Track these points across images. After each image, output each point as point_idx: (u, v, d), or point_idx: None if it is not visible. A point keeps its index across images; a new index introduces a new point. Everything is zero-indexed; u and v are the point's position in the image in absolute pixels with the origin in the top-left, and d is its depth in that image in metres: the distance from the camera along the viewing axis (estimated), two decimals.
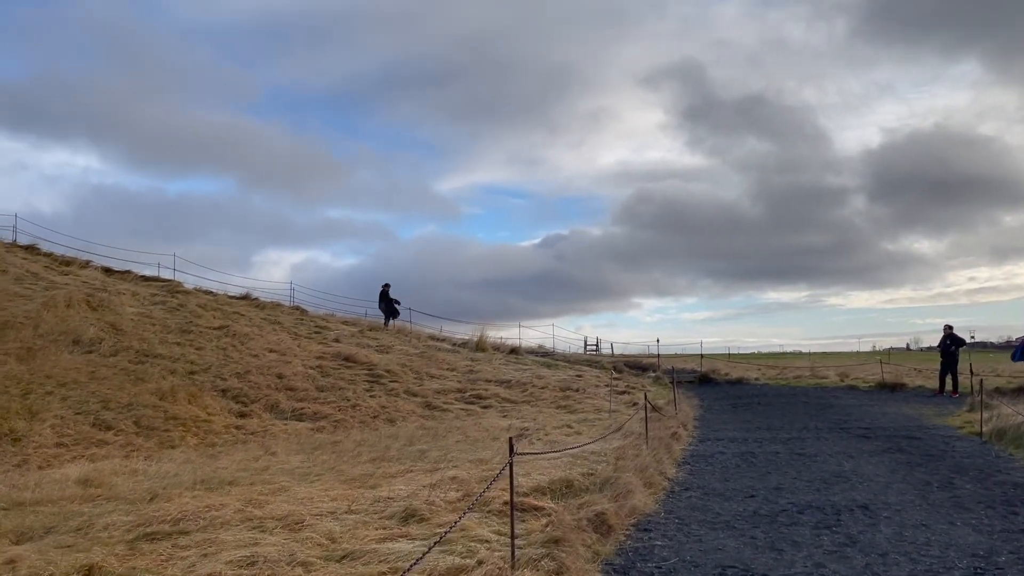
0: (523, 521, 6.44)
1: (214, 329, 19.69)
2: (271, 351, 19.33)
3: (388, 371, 19.62)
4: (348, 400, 16.25)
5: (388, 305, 30.66)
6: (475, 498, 5.91)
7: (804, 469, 10.51)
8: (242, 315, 22.81)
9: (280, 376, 16.93)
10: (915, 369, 34.66)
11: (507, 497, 6.69)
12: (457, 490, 7.42)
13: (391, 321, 30.33)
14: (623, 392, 21.42)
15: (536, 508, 6.66)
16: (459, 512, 6.33)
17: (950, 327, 22.89)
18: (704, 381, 27.53)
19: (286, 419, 14.43)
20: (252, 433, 12.97)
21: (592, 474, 8.64)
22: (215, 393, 14.80)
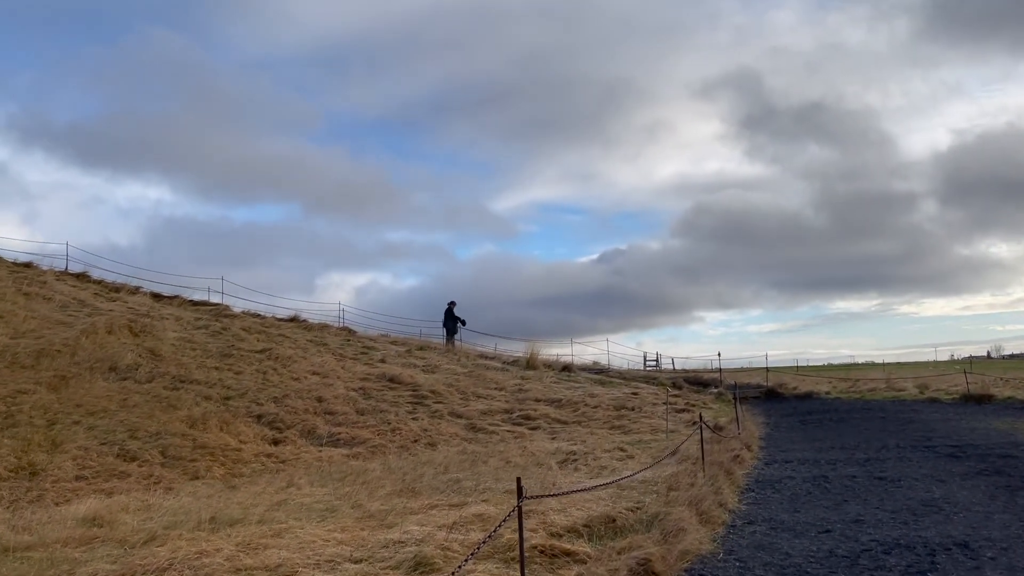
0: (551, 571, 5.48)
1: (256, 352, 19.26)
2: (314, 373, 18.78)
3: (433, 391, 18.84)
4: (389, 423, 15.50)
5: (452, 323, 30.13)
6: (483, 542, 4.98)
7: (887, 496, 9.24)
8: (287, 337, 22.40)
9: (320, 399, 16.31)
10: (1001, 379, 32.31)
11: (538, 539, 5.75)
12: (482, 529, 6.49)
13: (454, 340, 29.77)
14: (682, 410, 20.18)
15: (568, 553, 5.68)
16: (478, 559, 5.40)
17: None
18: (770, 396, 25.97)
19: (322, 445, 13.74)
20: (283, 461, 12.30)
21: (639, 507, 7.61)
22: (250, 419, 14.23)
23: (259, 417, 14.45)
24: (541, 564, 5.56)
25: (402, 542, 5.90)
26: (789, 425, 18.39)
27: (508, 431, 16.31)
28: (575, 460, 11.92)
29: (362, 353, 22.98)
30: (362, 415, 15.91)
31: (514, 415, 17.83)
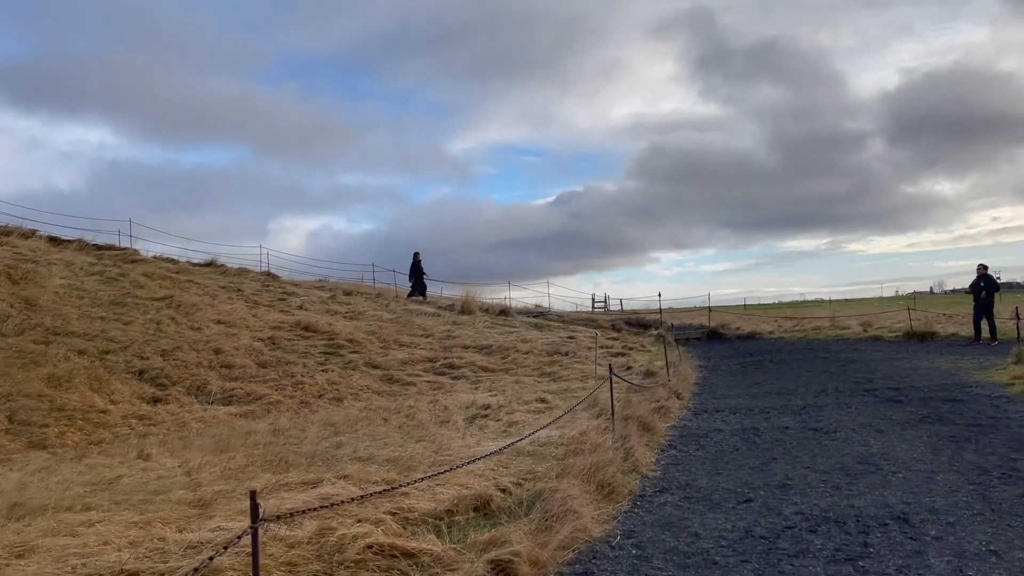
0: None
1: (155, 300, 17.57)
2: (218, 322, 17.21)
3: (350, 340, 17.46)
4: (292, 377, 14.12)
5: (419, 277, 28.09)
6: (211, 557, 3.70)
7: (820, 452, 8.23)
8: (196, 284, 20.69)
9: (218, 351, 14.81)
10: (944, 315, 32.10)
11: (377, 537, 4.49)
12: (322, 518, 5.21)
13: (420, 295, 27.76)
14: (618, 354, 19.16)
15: (410, 555, 4.43)
16: (265, 571, 4.12)
17: (984, 267, 20.37)
18: (712, 337, 25.20)
19: (210, 403, 12.32)
20: (156, 424, 10.86)
21: (529, 479, 6.42)
22: (128, 375, 12.70)
23: (140, 373, 12.92)
24: (372, 572, 4.31)
25: (202, 545, 4.57)
26: (728, 368, 17.50)
27: (428, 382, 15.07)
28: (486, 416, 10.73)
29: (280, 300, 21.41)
30: (264, 368, 14.49)
31: (437, 364, 16.58)
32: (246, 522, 5.02)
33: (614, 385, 11.24)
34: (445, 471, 5.66)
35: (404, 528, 5.00)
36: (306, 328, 18.00)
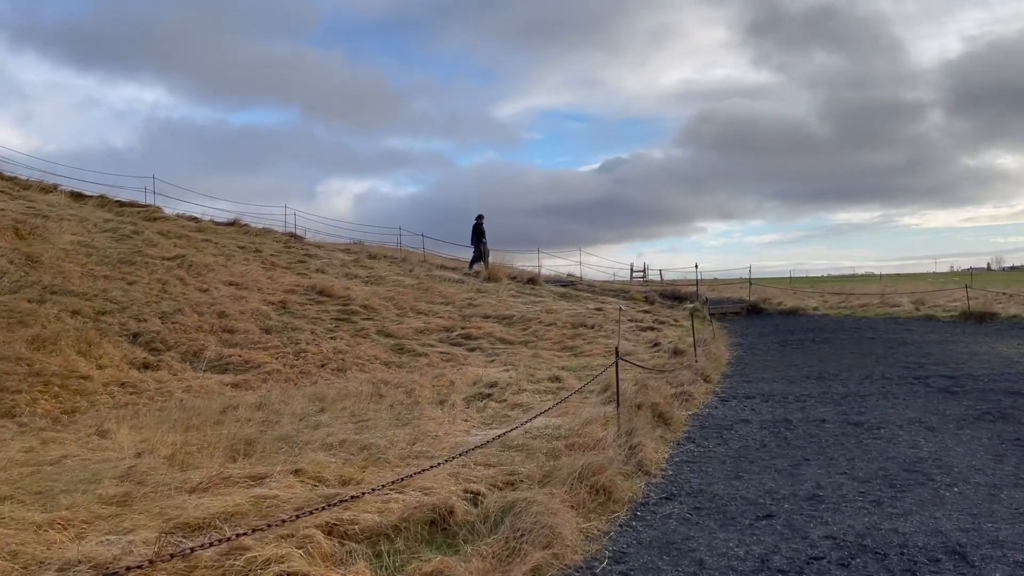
0: None
1: (166, 259, 16.99)
2: (229, 284, 16.56)
3: (365, 306, 16.68)
4: (297, 344, 13.38)
5: (481, 243, 25.58)
6: None
7: (860, 453, 7.13)
8: (214, 243, 20.10)
9: (222, 314, 14.14)
10: (1004, 294, 30.13)
11: (292, 564, 3.61)
12: (226, 532, 4.34)
13: (481, 263, 25.39)
14: (648, 328, 18.07)
15: None
16: None
17: None
18: (752, 312, 23.88)
19: (203, 371, 11.63)
20: (141, 392, 10.19)
21: (510, 483, 5.48)
22: (122, 338, 12.08)
23: (135, 336, 12.29)
24: None
25: (73, 566, 3.74)
26: (765, 347, 16.30)
27: (441, 353, 14.21)
28: (489, 395, 9.81)
29: (299, 262, 20.72)
30: (268, 334, 13.78)
31: (454, 334, 15.71)
32: (154, 533, 4.20)
33: (631, 368, 10.21)
34: (407, 476, 4.74)
35: (337, 548, 4.10)
36: (321, 292, 17.27)
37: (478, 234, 25.72)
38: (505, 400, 9.52)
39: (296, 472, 5.50)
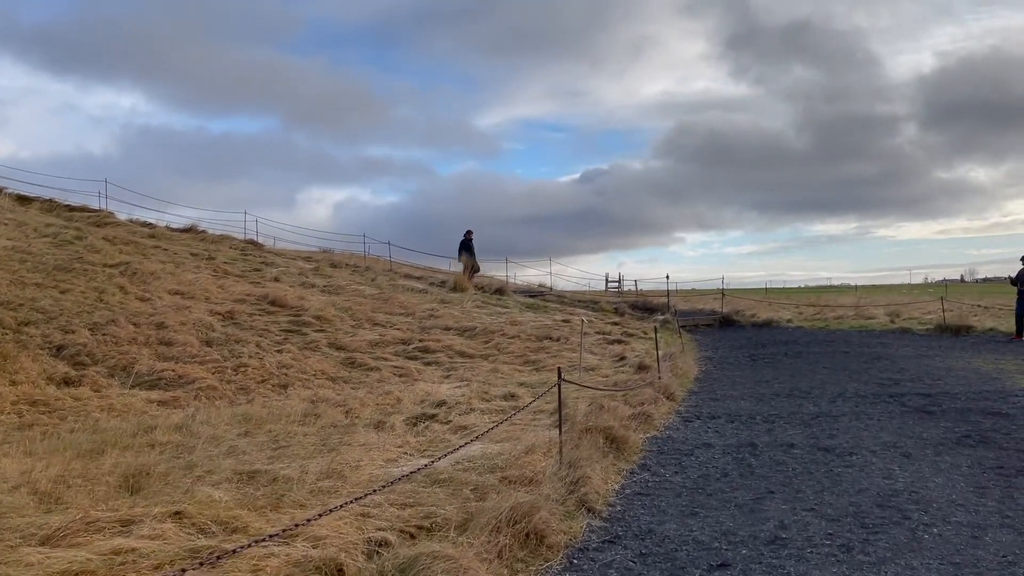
0: None
1: (108, 267, 16.07)
2: (175, 293, 15.68)
3: (318, 317, 15.86)
4: (239, 358, 12.54)
5: (472, 257, 24.69)
6: None
7: (829, 485, 6.46)
8: (164, 249, 19.18)
9: (161, 326, 13.26)
10: (978, 306, 29.86)
11: None
12: None
13: (473, 276, 24.57)
14: (616, 341, 17.39)
15: None
16: None
17: None
18: (725, 324, 23.31)
19: (131, 386, 10.77)
20: (54, 411, 9.32)
21: (427, 527, 4.73)
22: (43, 351, 11.19)
23: (59, 349, 11.41)
24: None
25: None
26: (735, 361, 15.67)
27: (395, 368, 13.43)
28: (434, 416, 9.05)
29: (254, 270, 19.85)
30: (209, 347, 12.92)
31: (410, 347, 14.93)
32: None
33: (592, 383, 9.55)
34: (302, 523, 3.97)
35: None
36: (273, 302, 16.42)
37: (468, 249, 24.87)
38: (450, 421, 8.77)
39: (177, 515, 4.70)
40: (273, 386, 11.57)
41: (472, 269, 24.54)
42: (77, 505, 5.07)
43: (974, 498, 5.96)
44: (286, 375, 12.14)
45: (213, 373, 11.68)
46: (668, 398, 10.50)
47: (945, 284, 72.63)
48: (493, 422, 8.79)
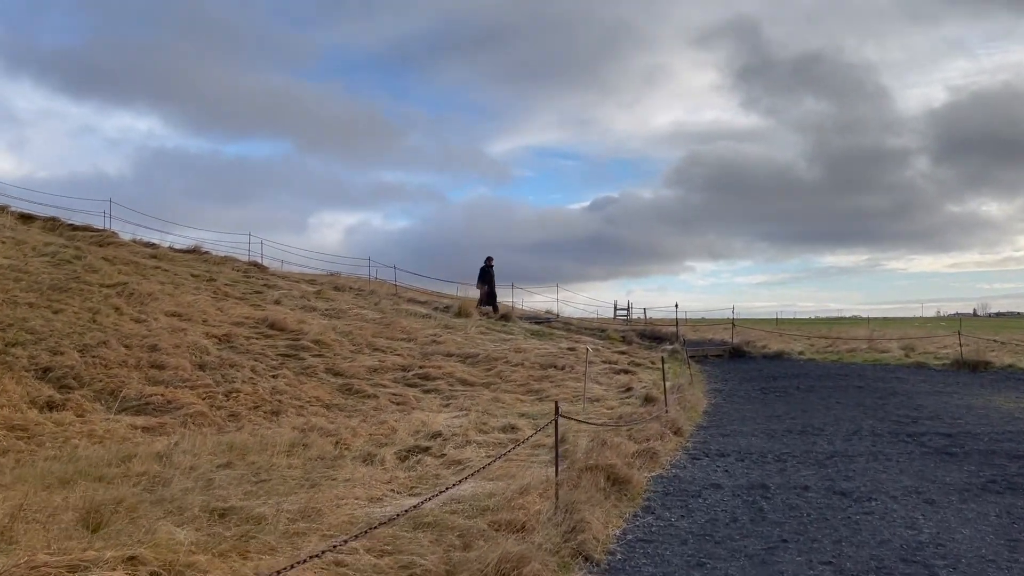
0: None
1: (106, 287, 15.78)
2: (173, 314, 15.35)
3: (317, 342, 15.48)
4: (232, 383, 12.16)
5: (491, 286, 24.05)
6: None
7: (848, 534, 5.97)
8: (165, 270, 18.91)
9: (153, 348, 12.91)
10: (996, 341, 29.22)
11: None
12: None
13: (490, 304, 23.91)
14: (623, 371, 16.92)
15: None
16: None
17: None
18: (735, 355, 22.77)
19: (117, 411, 10.39)
20: (33, 437, 8.93)
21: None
22: (29, 373, 10.84)
23: (45, 371, 11.06)
24: None
25: None
26: (745, 394, 15.16)
27: (393, 395, 13.01)
28: (428, 449, 8.61)
29: (256, 292, 19.54)
30: (202, 370, 12.55)
31: (410, 374, 14.52)
32: None
33: (597, 415, 9.12)
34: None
35: None
36: (272, 325, 16.07)
37: (487, 278, 24.21)
38: (444, 455, 8.33)
39: (131, 560, 4.29)
40: (265, 413, 11.16)
41: (488, 297, 24.13)
42: (27, 546, 4.66)
43: (1006, 552, 5.48)
44: (279, 401, 11.74)
45: (204, 398, 11.29)
46: (675, 433, 10.02)
47: (959, 318, 71.66)
48: (489, 456, 8.35)
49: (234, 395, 11.60)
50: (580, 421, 8.63)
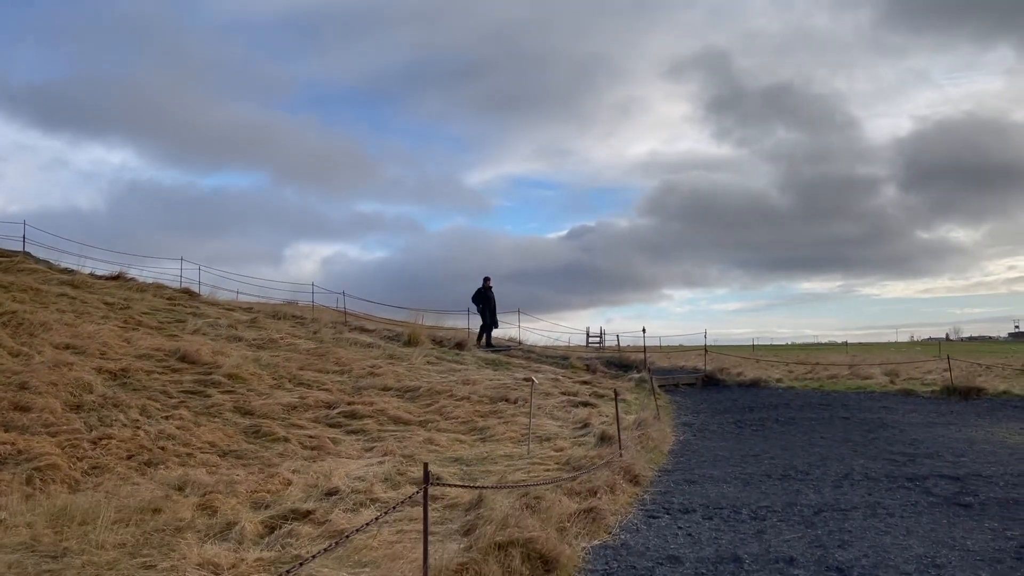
0: None
1: None
2: (66, 347, 13.36)
3: (232, 376, 13.54)
4: (108, 427, 10.19)
5: (491, 309, 22.11)
6: None
7: None
8: (71, 298, 16.90)
9: (23, 387, 10.92)
10: (979, 364, 27.96)
11: None
12: None
13: (487, 333, 22.28)
14: (583, 404, 15.12)
15: None
16: None
17: None
18: (708, 383, 21.06)
19: None
20: None
21: None
22: None
23: None
24: None
25: None
26: (718, 429, 13.40)
27: (308, 437, 11.10)
28: (309, 514, 6.74)
29: (177, 321, 17.55)
30: (75, 412, 10.57)
31: (335, 412, 12.61)
32: None
33: (542, 462, 7.46)
34: None
35: None
36: (182, 358, 14.10)
37: (485, 300, 22.11)
38: (328, 521, 6.47)
39: None
40: (139, 464, 9.20)
41: (488, 326, 22.38)
42: None
43: None
44: (163, 449, 9.78)
45: (65, 447, 9.31)
46: (631, 481, 8.23)
47: (938, 343, 70.95)
48: (401, 516, 6.55)
49: (104, 442, 9.62)
50: (463, 487, 6.74)
